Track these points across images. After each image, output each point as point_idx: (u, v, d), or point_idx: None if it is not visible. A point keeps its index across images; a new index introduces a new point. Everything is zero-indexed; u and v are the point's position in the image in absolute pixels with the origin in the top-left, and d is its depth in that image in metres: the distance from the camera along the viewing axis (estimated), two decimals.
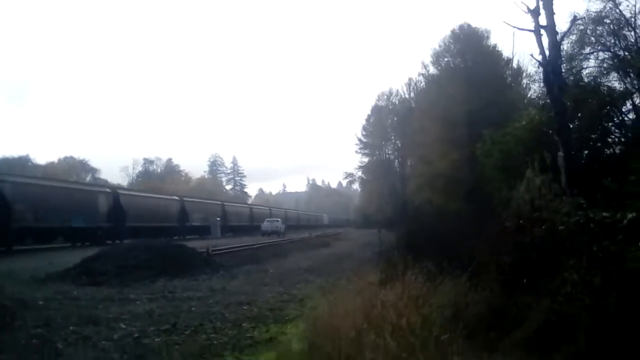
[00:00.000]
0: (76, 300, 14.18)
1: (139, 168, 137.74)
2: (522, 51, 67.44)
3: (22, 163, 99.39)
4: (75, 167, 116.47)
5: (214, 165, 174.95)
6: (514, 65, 48.62)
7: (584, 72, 27.25)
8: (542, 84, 24.25)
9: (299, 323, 10.31)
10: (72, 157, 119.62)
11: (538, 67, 22.66)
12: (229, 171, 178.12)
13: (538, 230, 10.96)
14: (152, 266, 20.00)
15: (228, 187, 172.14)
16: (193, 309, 12.95)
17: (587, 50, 27.97)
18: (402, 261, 10.49)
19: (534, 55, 19.11)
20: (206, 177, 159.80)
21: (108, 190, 53.27)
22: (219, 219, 70.70)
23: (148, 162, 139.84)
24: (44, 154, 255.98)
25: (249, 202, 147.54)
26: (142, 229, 49.46)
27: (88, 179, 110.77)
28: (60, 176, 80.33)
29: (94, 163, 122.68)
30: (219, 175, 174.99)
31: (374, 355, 6.27)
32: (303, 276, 20.24)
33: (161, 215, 58.23)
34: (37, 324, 10.72)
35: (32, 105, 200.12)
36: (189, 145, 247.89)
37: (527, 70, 46.65)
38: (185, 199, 68.61)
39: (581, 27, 27.21)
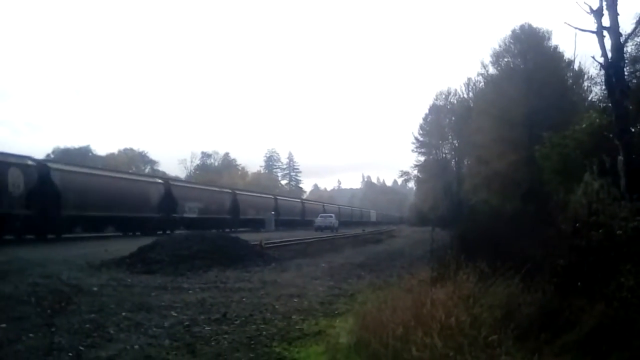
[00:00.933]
0: (130, 288, 14.38)
1: (197, 161, 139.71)
2: (584, 53, 66.14)
3: (83, 153, 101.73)
4: (134, 158, 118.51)
5: (270, 161, 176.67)
6: (576, 67, 47.87)
7: None
8: (603, 87, 23.80)
9: (348, 317, 10.28)
10: (131, 149, 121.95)
11: (600, 70, 22.20)
12: (284, 166, 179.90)
13: (595, 234, 10.77)
14: (205, 257, 20.20)
15: (283, 182, 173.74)
16: (244, 299, 13.00)
17: None
18: (454, 260, 10.41)
19: (596, 57, 18.77)
20: (262, 171, 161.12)
21: (160, 181, 53.94)
22: (273, 212, 71.16)
23: (206, 155, 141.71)
24: (104, 145, 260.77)
25: (304, 197, 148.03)
26: (193, 220, 50.75)
27: (147, 170, 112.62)
28: (120, 167, 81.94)
29: (152, 155, 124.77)
30: (274, 170, 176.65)
31: (420, 353, 6.23)
32: (354, 271, 20.17)
33: (213, 207, 58.87)
34: (90, 310, 10.92)
35: (93, 95, 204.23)
36: (246, 140, 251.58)
37: (588, 73, 46.01)
38: (237, 192, 69.33)
39: None
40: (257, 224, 66.90)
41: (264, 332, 9.48)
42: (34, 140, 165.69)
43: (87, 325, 9.47)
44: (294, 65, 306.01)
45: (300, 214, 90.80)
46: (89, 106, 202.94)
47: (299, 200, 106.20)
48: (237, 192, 69.33)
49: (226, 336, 9.12)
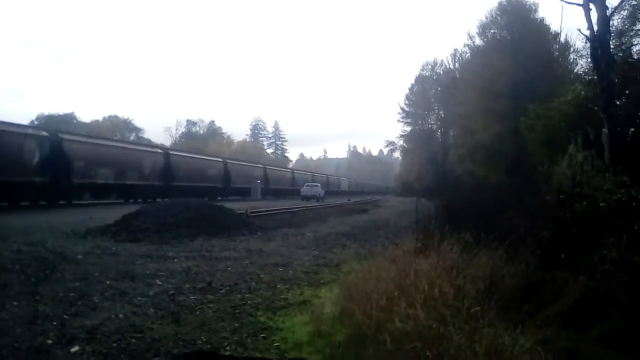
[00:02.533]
0: (114, 256, 14.33)
1: (182, 129, 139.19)
2: (571, 25, 66.02)
3: (67, 120, 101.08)
4: (119, 126, 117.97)
5: (256, 129, 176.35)
6: (562, 39, 48.21)
7: (634, 48, 26.64)
8: (589, 60, 23.79)
9: (333, 287, 10.34)
10: (116, 116, 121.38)
11: (586, 43, 22.22)
12: (270, 135, 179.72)
13: (578, 206, 10.84)
14: (191, 225, 20.14)
15: (269, 150, 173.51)
16: (229, 268, 12.99)
17: (639, 26, 27.32)
18: (438, 231, 10.46)
19: (582, 30, 18.76)
20: (248, 140, 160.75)
21: (160, 151, 56.10)
22: (259, 181, 71.75)
23: (191, 123, 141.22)
24: (88, 112, 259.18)
25: (290, 166, 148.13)
26: (188, 188, 51.54)
27: (132, 137, 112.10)
28: (105, 134, 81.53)
29: (137, 123, 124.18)
30: (260, 139, 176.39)
31: (403, 324, 6.26)
32: (340, 241, 20.20)
33: (206, 176, 60.15)
34: (75, 278, 10.90)
35: (78, 62, 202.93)
36: (231, 109, 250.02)
37: (574, 45, 46.17)
38: (228, 161, 69.96)
39: (634, 3, 26.58)
40: (246, 193, 68.03)
41: (249, 302, 9.50)
42: (17, 106, 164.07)
43: (72, 294, 9.44)
44: (280, 33, 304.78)
45: (290, 184, 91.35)
46: (73, 73, 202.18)
47: (288, 170, 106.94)
48: (228, 161, 69.97)
49: (211, 305, 9.13)
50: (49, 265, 12.09)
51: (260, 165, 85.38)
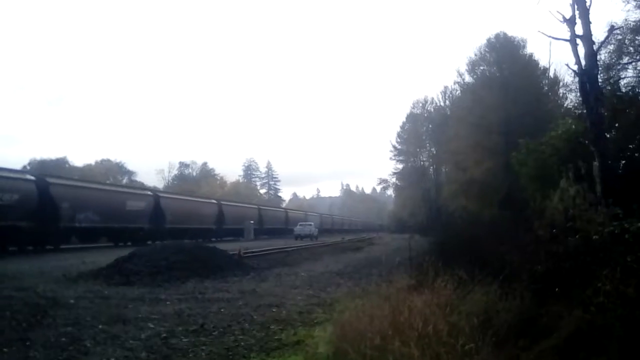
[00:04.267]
0: (107, 300, 14.26)
1: (175, 171, 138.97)
2: (559, 61, 66.74)
3: (60, 165, 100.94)
4: (111, 169, 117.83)
5: (249, 170, 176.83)
6: (551, 74, 48.53)
7: (622, 82, 26.90)
8: (578, 94, 23.95)
9: (326, 327, 10.26)
10: (108, 160, 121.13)
11: (574, 77, 22.38)
12: (263, 175, 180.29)
13: (572, 239, 10.84)
14: (183, 267, 20.10)
15: (262, 191, 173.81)
16: (222, 310, 12.95)
17: (626, 60, 27.65)
18: (432, 267, 10.41)
19: (570, 65, 18.90)
20: (241, 181, 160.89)
21: (150, 193, 55.93)
22: (252, 222, 71.65)
23: (184, 165, 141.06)
24: (81, 156, 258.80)
25: (283, 205, 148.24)
26: (180, 230, 51.47)
27: (124, 181, 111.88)
28: (97, 178, 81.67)
29: (130, 166, 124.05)
30: (253, 179, 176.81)
31: None
32: (333, 280, 20.20)
33: (199, 217, 60.06)
34: (66, 323, 10.83)
35: (70, 107, 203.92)
36: (224, 150, 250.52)
37: (564, 80, 46.72)
38: (222, 202, 70.19)
39: (619, 37, 26.93)
40: (240, 234, 68.02)
41: (242, 343, 9.44)
42: (8, 152, 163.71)
43: (63, 339, 9.40)
44: (272, 74, 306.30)
45: (283, 223, 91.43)
46: (65, 117, 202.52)
47: (282, 210, 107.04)
48: (222, 202, 70.30)
49: (204, 347, 9.07)
50: (40, 310, 12.06)
51: (254, 206, 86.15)
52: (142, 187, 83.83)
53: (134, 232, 46.30)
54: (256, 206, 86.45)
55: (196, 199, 67.17)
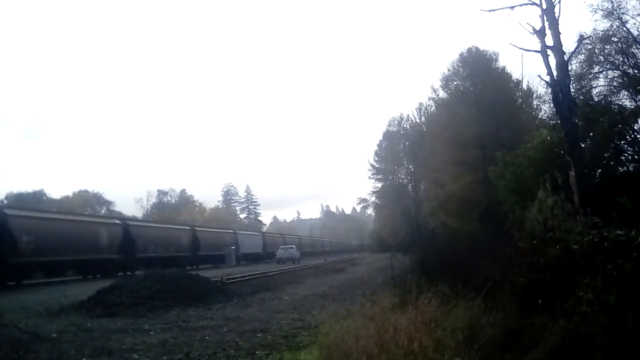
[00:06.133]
0: (90, 332, 14.11)
1: (153, 199, 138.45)
2: (532, 72, 67.35)
3: (37, 198, 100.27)
4: (89, 200, 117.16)
5: (228, 195, 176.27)
6: (524, 86, 49.00)
7: (594, 91, 27.30)
8: (552, 105, 24.19)
9: (312, 349, 10.23)
10: (86, 191, 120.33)
11: (547, 88, 22.66)
12: (242, 200, 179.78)
13: (552, 250, 10.87)
14: (166, 296, 19.95)
15: (242, 215, 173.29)
16: (207, 338, 12.87)
17: (596, 69, 28.02)
18: (415, 285, 10.42)
19: (542, 76, 19.09)
20: (220, 206, 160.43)
21: (118, 222, 53.37)
22: (233, 247, 70.97)
23: (162, 193, 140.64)
24: (58, 188, 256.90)
25: (264, 229, 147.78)
26: (153, 259, 50.44)
27: (103, 211, 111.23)
28: (76, 210, 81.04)
29: (108, 196, 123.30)
30: (232, 204, 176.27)
31: None
32: (317, 302, 20.15)
33: (172, 245, 58.66)
34: (50, 357, 10.72)
35: (46, 140, 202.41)
36: (202, 176, 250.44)
37: (537, 92, 47.21)
38: (196, 228, 68.80)
39: (589, 47, 27.31)
40: (218, 260, 66.56)
41: None
42: None
43: None
44: (248, 98, 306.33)
45: (261, 247, 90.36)
46: (41, 150, 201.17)
47: (259, 234, 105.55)
48: (197, 228, 68.83)
49: None
50: (23, 345, 11.91)
51: (231, 231, 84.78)
52: (109, 216, 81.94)
53: (103, 263, 44.35)
54: (233, 231, 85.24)
55: (168, 226, 65.73)
